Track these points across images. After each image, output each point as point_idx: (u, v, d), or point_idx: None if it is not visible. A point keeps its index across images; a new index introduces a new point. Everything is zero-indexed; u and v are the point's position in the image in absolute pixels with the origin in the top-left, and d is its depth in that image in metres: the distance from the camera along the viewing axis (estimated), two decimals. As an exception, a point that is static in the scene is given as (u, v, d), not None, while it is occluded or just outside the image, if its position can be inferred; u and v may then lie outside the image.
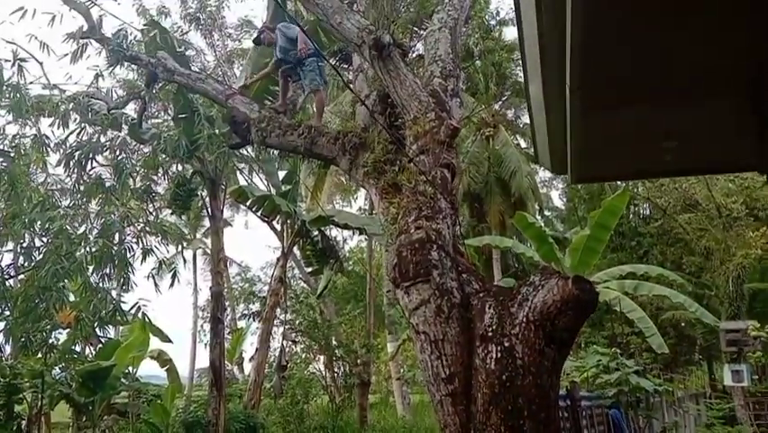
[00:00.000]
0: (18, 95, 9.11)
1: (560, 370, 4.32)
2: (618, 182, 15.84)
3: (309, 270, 19.22)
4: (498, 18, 25.00)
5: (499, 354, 4.02)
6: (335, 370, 19.78)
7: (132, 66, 9.72)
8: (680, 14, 2.52)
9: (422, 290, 4.39)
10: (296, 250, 19.04)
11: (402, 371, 21.82)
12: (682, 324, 22.84)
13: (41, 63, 9.52)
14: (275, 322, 17.68)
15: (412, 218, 4.76)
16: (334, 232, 23.38)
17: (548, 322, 3.98)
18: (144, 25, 11.01)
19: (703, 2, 2.46)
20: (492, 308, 4.23)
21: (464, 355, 4.21)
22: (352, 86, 7.82)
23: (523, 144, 26.19)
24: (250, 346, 24.18)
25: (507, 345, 4.03)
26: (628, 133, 3.79)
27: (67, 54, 9.01)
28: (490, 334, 4.11)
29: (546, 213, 30.81)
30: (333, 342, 19.22)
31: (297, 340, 19.85)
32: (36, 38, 9.11)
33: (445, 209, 4.90)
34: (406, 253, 4.56)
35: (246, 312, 23.41)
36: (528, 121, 4.96)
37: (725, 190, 20.90)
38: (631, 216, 26.25)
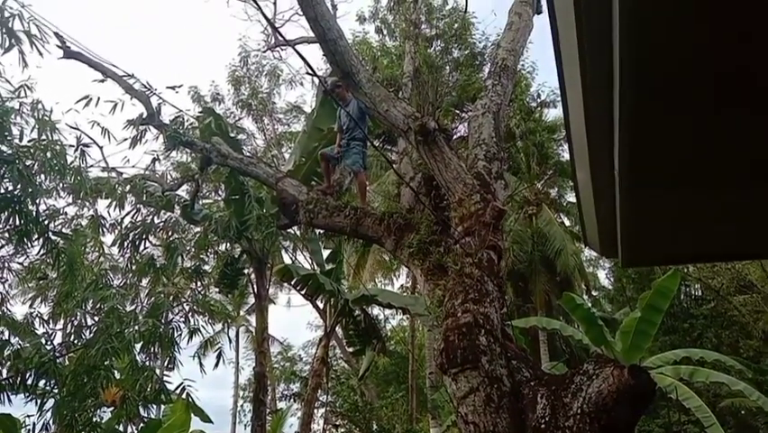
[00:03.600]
0: (79, 178, 9.51)
1: (618, 465, 4.07)
2: (669, 263, 15.38)
3: (351, 350, 18.97)
4: (538, 100, 25.36)
5: (553, 448, 3.83)
6: (376, 456, 19.11)
7: (186, 149, 10.14)
8: (739, 90, 2.48)
9: (470, 377, 4.27)
10: (337, 328, 18.91)
11: (446, 458, 20.87)
12: (743, 412, 21.47)
13: (101, 147, 10.00)
14: (315, 404, 17.36)
15: (459, 301, 4.69)
16: (376, 310, 23.23)
17: (604, 414, 3.80)
18: (200, 112, 11.58)
19: (761, 79, 2.42)
20: (545, 397, 4.07)
21: (516, 448, 4.03)
22: (396, 167, 7.96)
23: (567, 223, 25.90)
24: (289, 429, 23.74)
25: (561, 437, 3.85)
26: (682, 215, 3.68)
27: (126, 139, 9.45)
28: (543, 426, 3.94)
29: (593, 293, 29.99)
30: (375, 426, 18.67)
31: (338, 424, 19.38)
32: (98, 124, 9.61)
33: (492, 292, 4.82)
34: (453, 337, 4.47)
35: (287, 392, 23.08)
36: (574, 200, 4.92)
37: (781, 271, 20.08)
38: (682, 296, 25.31)
